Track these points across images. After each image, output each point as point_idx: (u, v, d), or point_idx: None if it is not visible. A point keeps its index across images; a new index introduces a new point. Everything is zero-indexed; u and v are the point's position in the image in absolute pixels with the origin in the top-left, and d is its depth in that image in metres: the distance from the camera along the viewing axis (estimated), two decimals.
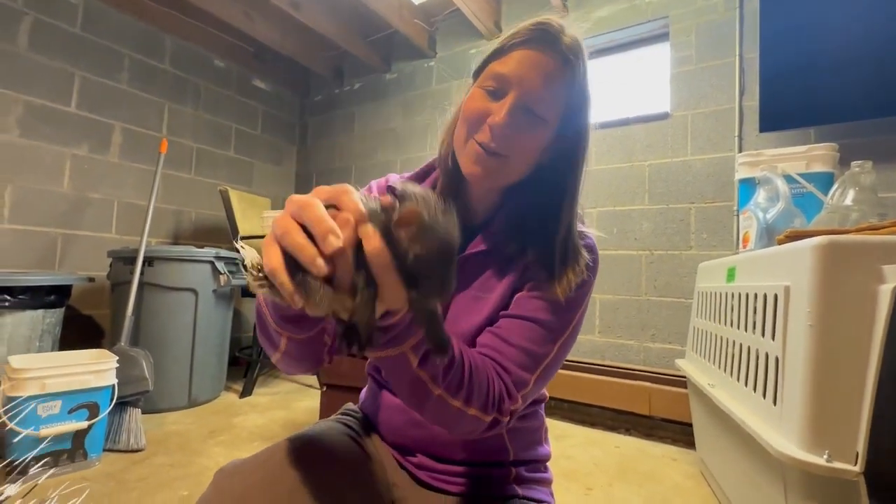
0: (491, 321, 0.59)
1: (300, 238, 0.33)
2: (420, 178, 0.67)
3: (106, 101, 2.26)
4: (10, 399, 1.22)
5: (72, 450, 1.32)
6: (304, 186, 3.20)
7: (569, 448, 1.69)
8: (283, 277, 0.34)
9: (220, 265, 1.98)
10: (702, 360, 1.40)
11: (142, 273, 1.81)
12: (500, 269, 0.61)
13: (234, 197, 2.35)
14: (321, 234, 0.33)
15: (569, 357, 2.21)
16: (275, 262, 0.34)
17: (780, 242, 0.96)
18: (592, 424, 1.92)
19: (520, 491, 0.65)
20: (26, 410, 1.23)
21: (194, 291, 1.93)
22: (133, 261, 1.81)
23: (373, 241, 0.34)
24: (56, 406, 1.28)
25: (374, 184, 0.69)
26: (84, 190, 2.19)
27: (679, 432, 1.75)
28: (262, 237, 2.17)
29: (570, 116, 0.57)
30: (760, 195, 1.25)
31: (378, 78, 2.91)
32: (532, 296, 0.58)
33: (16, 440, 1.22)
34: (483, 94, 0.55)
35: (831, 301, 0.74)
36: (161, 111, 2.49)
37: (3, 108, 1.93)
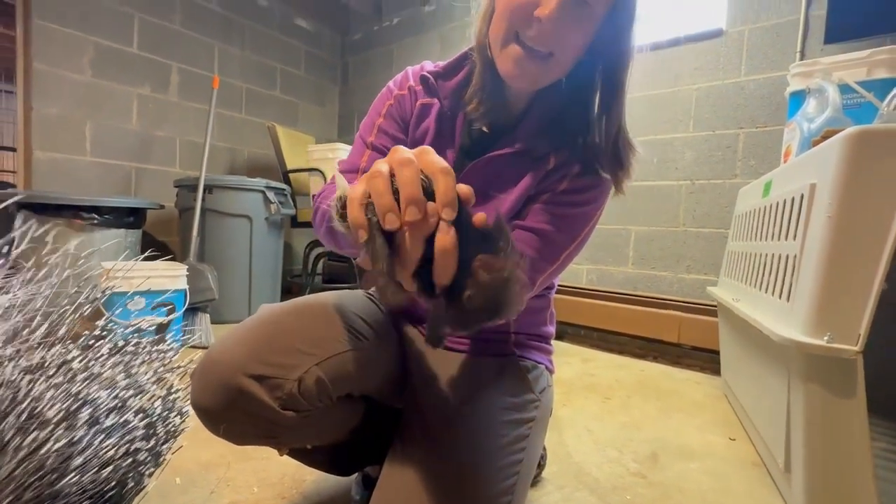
0: None
1: (383, 185, 0.33)
2: (453, 69, 0.66)
3: (163, 42, 2.40)
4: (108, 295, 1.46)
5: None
6: (346, 126, 3.29)
7: (593, 369, 1.76)
8: (356, 212, 0.34)
9: (270, 194, 2.14)
10: (731, 281, 1.39)
11: (203, 200, 2.01)
12: (521, 172, 0.61)
13: (281, 133, 2.47)
14: (405, 197, 0.32)
15: (599, 287, 2.22)
16: (357, 193, 0.34)
17: (816, 144, 0.92)
18: (620, 353, 1.98)
19: (517, 352, 0.73)
20: (120, 305, 1.47)
21: (249, 218, 2.11)
22: (195, 188, 2.01)
23: (445, 240, 0.33)
24: (141, 303, 1.51)
25: (410, 70, 0.70)
26: (150, 128, 2.40)
27: (707, 360, 1.77)
28: (308, 170, 2.31)
29: (618, 7, 0.52)
30: (810, 105, 1.17)
31: (416, 11, 2.85)
32: (545, 209, 0.60)
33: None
34: None
35: (853, 191, 0.72)
36: (211, 51, 2.61)
37: (78, 49, 2.12)
